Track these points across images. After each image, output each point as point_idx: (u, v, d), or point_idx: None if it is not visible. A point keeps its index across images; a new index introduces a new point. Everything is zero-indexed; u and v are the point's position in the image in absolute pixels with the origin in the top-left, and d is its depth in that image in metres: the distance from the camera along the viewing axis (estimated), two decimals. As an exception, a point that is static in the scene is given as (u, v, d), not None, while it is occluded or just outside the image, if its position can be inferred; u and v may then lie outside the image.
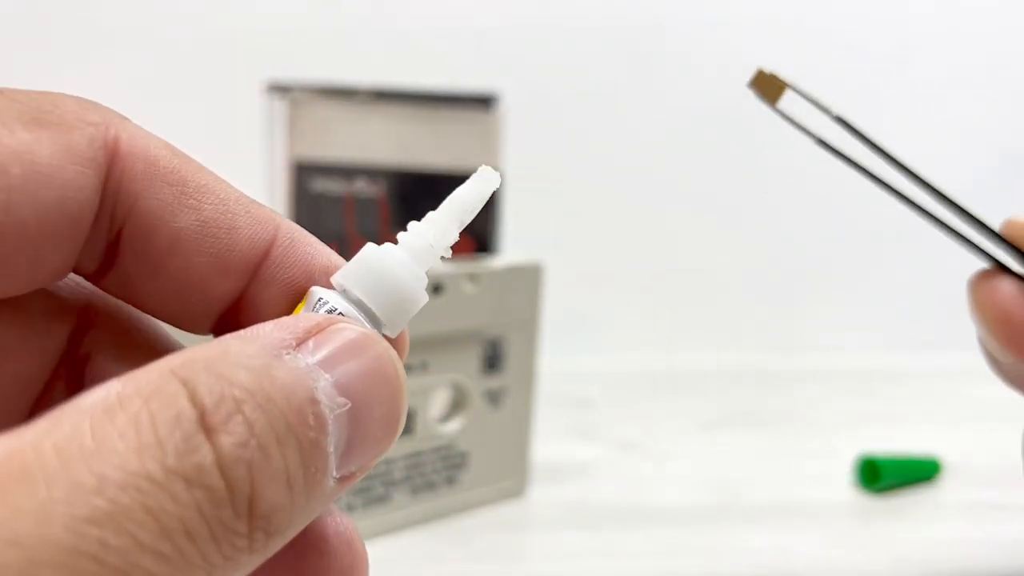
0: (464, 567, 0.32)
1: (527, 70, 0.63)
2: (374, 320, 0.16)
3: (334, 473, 0.13)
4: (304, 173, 0.43)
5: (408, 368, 0.33)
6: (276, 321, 0.14)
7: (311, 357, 0.13)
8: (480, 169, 0.17)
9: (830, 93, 0.76)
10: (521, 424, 0.37)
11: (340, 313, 0.15)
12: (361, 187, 0.43)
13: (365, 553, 0.16)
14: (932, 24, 0.68)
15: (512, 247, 0.46)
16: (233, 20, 0.62)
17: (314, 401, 0.13)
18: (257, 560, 0.12)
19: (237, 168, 0.65)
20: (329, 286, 0.16)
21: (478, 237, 0.44)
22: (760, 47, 0.67)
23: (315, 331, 0.14)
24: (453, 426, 0.35)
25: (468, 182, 0.17)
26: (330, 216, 0.43)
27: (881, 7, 0.68)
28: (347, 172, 0.43)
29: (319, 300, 0.16)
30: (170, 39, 0.62)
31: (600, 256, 0.65)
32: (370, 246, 0.16)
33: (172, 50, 0.62)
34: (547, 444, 0.41)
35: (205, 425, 0.11)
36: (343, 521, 0.16)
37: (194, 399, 0.12)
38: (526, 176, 0.51)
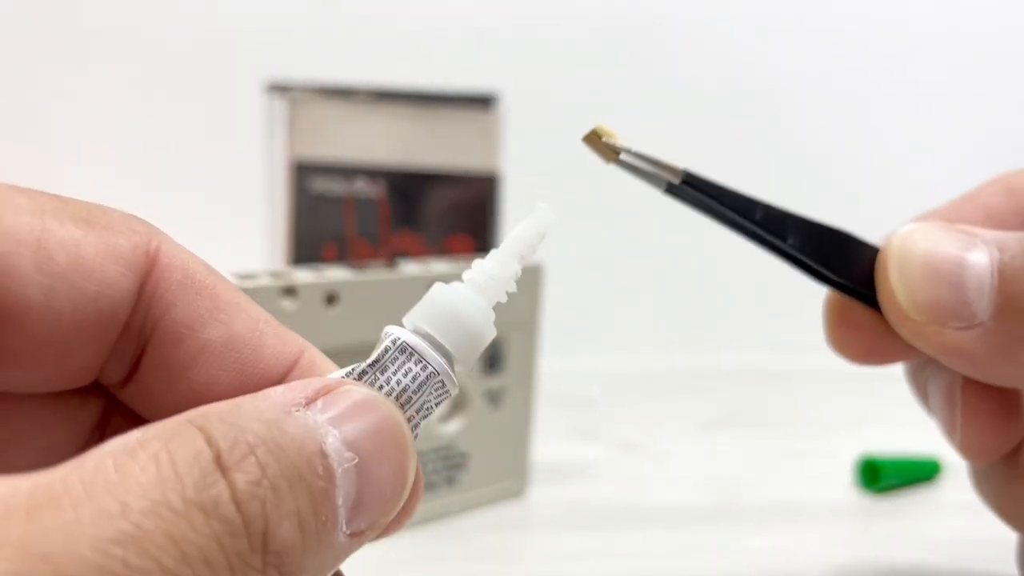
0: (464, 567, 0.32)
1: (527, 70, 0.63)
2: (445, 355, 0.16)
3: (344, 528, 0.13)
4: (304, 173, 0.43)
5: (408, 368, 0.33)
6: (287, 384, 0.15)
7: (320, 415, 0.14)
8: (536, 207, 0.17)
9: (830, 95, 0.76)
10: (521, 424, 0.37)
11: (406, 343, 0.16)
12: (361, 187, 0.43)
13: None
14: (933, 24, 0.68)
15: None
16: (233, 20, 0.62)
17: (323, 454, 0.13)
18: None
19: (237, 168, 0.66)
20: None
21: (477, 237, 0.44)
22: (759, 48, 0.67)
23: (323, 392, 0.14)
24: (453, 426, 0.35)
25: (525, 219, 0.17)
26: (330, 216, 0.43)
27: (881, 7, 0.68)
28: (347, 172, 0.43)
29: (385, 334, 0.16)
30: (170, 39, 0.62)
31: (600, 256, 0.65)
32: (438, 285, 0.17)
33: (172, 50, 0.62)
34: (547, 444, 0.41)
35: (221, 464, 0.12)
36: None
37: (210, 442, 0.12)
38: (526, 176, 0.51)
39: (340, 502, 0.13)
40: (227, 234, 0.60)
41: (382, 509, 0.14)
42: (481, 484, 0.36)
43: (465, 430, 0.35)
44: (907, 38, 0.68)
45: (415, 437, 0.16)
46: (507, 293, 0.17)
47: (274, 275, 0.30)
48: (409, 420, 0.16)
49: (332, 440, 0.14)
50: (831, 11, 0.67)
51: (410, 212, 0.44)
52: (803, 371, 0.58)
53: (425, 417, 0.16)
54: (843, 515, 0.37)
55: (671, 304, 0.67)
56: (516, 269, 0.17)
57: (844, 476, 0.40)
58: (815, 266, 0.22)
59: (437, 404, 0.16)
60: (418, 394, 0.16)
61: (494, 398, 0.36)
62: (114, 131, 0.63)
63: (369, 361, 0.16)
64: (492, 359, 0.35)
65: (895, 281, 0.21)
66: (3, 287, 0.14)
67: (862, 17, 0.68)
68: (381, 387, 0.16)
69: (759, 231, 0.21)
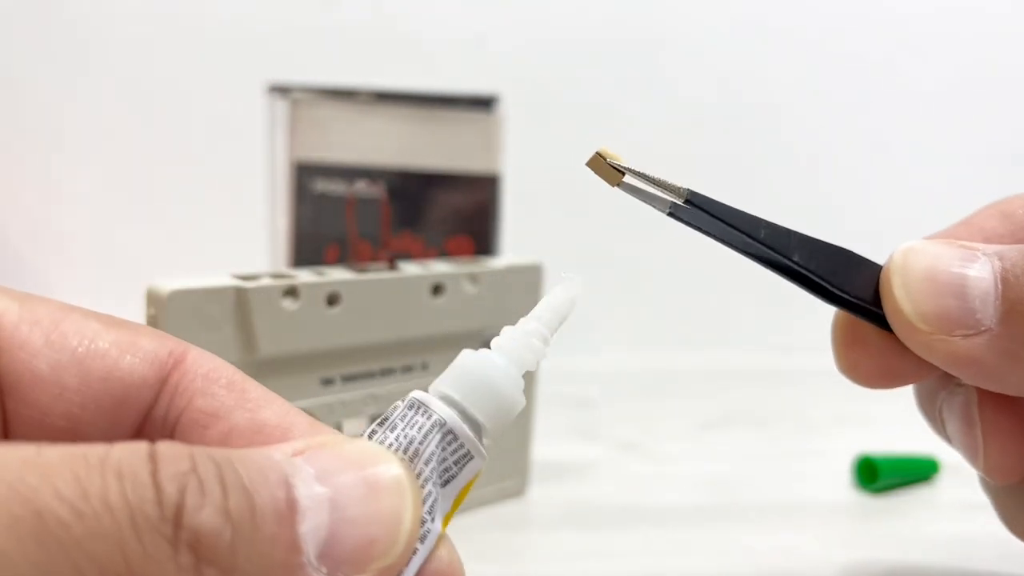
0: (464, 567, 0.32)
1: (527, 72, 0.63)
2: (475, 425, 0.16)
3: (312, 559, 0.13)
4: (305, 174, 0.44)
5: (409, 368, 0.33)
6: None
7: (298, 458, 0.14)
8: (566, 277, 0.18)
9: (831, 99, 0.76)
10: (521, 424, 0.37)
11: (416, 399, 0.16)
12: (362, 188, 0.44)
13: None
14: (931, 27, 0.68)
15: (512, 247, 0.46)
16: (234, 21, 0.62)
17: (287, 484, 0.13)
18: None
19: (239, 169, 0.66)
20: None
21: (478, 239, 0.44)
22: (758, 52, 0.67)
23: (315, 446, 0.14)
24: (453, 426, 0.35)
25: (556, 289, 0.17)
26: (331, 217, 0.44)
27: (879, 12, 0.68)
28: (348, 173, 0.44)
29: (416, 403, 0.16)
30: (172, 40, 0.62)
31: (600, 256, 0.65)
32: (467, 353, 0.16)
33: (174, 51, 0.62)
34: (547, 444, 0.41)
35: (152, 457, 0.12)
36: (445, 560, 0.16)
37: (151, 448, 0.12)
38: (526, 177, 0.51)
39: (304, 529, 0.13)
40: (229, 235, 0.60)
41: (366, 551, 0.14)
42: (481, 484, 0.36)
43: (465, 430, 0.35)
44: (906, 43, 0.68)
45: (429, 496, 0.15)
46: (538, 363, 0.17)
47: (276, 276, 0.30)
48: (419, 475, 0.15)
49: (303, 473, 0.13)
50: (830, 18, 0.67)
51: (411, 213, 0.44)
52: (802, 371, 0.58)
53: (447, 480, 0.15)
54: (841, 514, 0.37)
55: (671, 304, 0.67)
56: (549, 339, 0.17)
57: (842, 475, 0.40)
58: (822, 283, 0.22)
59: (457, 463, 0.16)
60: (424, 444, 0.15)
61: (494, 398, 0.36)
62: (116, 132, 0.63)
63: (379, 420, 0.16)
64: (492, 359, 0.36)
65: (899, 294, 0.22)
66: (14, 357, 0.15)
67: (860, 23, 0.68)
68: (391, 445, 0.15)
69: (764, 250, 0.21)
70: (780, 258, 0.22)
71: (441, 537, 0.16)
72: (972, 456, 0.24)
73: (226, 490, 0.12)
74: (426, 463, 0.15)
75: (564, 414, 0.48)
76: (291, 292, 0.30)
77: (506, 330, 0.17)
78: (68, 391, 0.15)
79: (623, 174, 0.20)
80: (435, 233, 0.44)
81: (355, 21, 0.63)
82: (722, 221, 0.21)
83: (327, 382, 0.31)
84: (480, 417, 0.16)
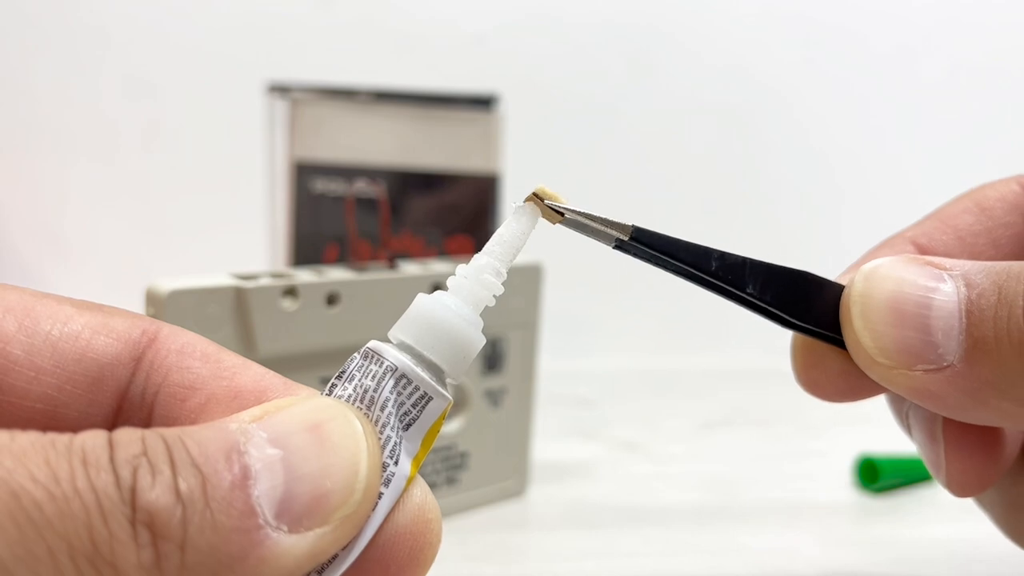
0: (464, 567, 0.32)
1: (527, 71, 0.63)
2: (431, 367, 0.16)
3: (271, 520, 0.13)
4: (305, 173, 0.43)
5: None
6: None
7: (250, 424, 0.14)
8: (518, 204, 0.17)
9: (832, 94, 0.76)
10: (521, 424, 0.37)
11: (369, 348, 0.16)
12: (362, 187, 0.44)
13: (434, 540, 0.17)
14: (938, 18, 0.68)
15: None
16: (234, 21, 0.62)
17: (239, 452, 0.14)
18: (148, 559, 0.12)
19: (238, 169, 0.66)
20: None
21: (477, 238, 0.44)
22: (760, 47, 0.67)
23: (271, 410, 0.15)
24: (453, 426, 0.35)
25: (508, 220, 0.17)
26: (331, 216, 0.44)
27: (885, 3, 0.68)
28: (348, 172, 0.43)
29: (370, 352, 0.16)
30: (171, 39, 0.62)
31: (600, 256, 0.65)
32: (421, 296, 0.16)
33: (174, 50, 0.62)
34: (547, 444, 0.41)
35: (110, 445, 0.13)
36: (417, 500, 0.17)
37: (109, 435, 0.13)
38: (526, 177, 0.51)
39: (257, 492, 0.13)
40: (228, 235, 0.60)
41: (323, 503, 0.14)
42: (481, 484, 0.36)
43: (465, 430, 0.35)
44: (913, 33, 0.68)
45: (389, 440, 0.15)
46: (495, 297, 0.17)
47: (275, 275, 0.30)
48: (376, 422, 0.15)
49: (256, 439, 0.14)
50: (831, 10, 0.67)
51: (410, 213, 0.44)
52: (803, 371, 0.58)
53: (409, 423, 0.16)
54: (842, 514, 0.37)
55: (671, 304, 0.67)
56: (502, 271, 0.17)
57: (843, 476, 0.40)
58: (778, 313, 0.22)
59: (415, 406, 0.16)
60: (378, 391, 0.16)
61: (494, 398, 0.36)
62: (116, 132, 0.63)
63: (338, 374, 0.16)
64: (492, 359, 0.36)
65: (859, 326, 0.21)
66: None
67: (864, 14, 0.68)
68: (349, 397, 0.16)
69: (716, 282, 0.21)
70: (734, 290, 0.21)
71: (411, 479, 0.16)
72: (935, 470, 0.24)
73: (175, 467, 0.13)
74: (382, 409, 0.15)
75: (564, 414, 0.48)
76: (290, 292, 0.30)
77: (459, 268, 0.17)
78: (43, 374, 0.16)
79: (563, 214, 0.19)
80: (435, 233, 0.44)
81: (354, 21, 0.63)
82: (671, 255, 0.21)
83: (327, 382, 0.31)
84: (435, 358, 0.16)
